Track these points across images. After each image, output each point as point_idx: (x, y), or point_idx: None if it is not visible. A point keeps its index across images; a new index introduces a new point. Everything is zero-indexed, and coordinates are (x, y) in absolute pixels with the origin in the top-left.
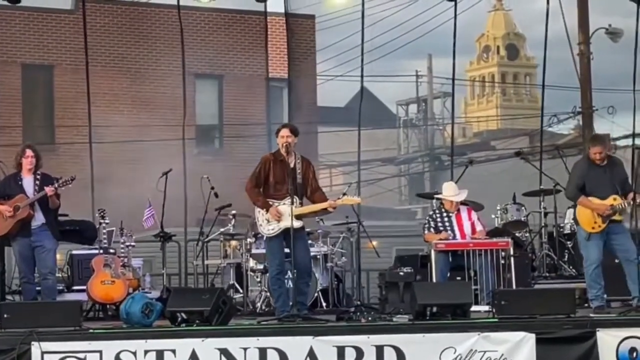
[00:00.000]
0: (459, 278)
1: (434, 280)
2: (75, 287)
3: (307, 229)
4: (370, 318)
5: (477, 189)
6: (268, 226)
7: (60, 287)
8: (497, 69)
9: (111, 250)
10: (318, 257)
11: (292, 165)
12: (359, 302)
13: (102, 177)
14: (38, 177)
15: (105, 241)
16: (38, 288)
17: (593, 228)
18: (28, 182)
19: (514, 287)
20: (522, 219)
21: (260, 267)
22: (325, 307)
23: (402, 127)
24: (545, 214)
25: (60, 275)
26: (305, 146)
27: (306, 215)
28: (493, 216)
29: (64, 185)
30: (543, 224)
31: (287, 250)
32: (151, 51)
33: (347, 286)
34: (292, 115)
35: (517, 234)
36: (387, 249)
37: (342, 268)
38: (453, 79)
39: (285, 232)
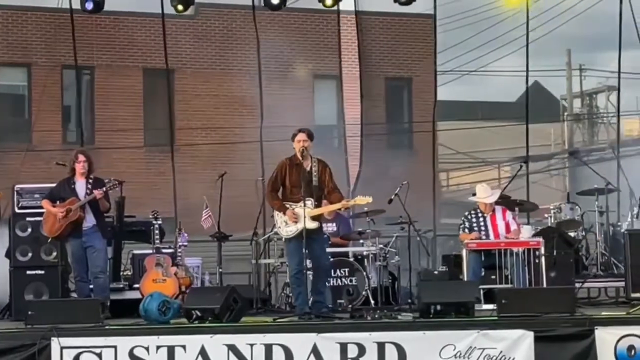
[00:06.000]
0: (493, 277)
1: (466, 278)
2: (135, 285)
3: (359, 229)
4: (376, 316)
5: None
6: (286, 228)
7: (122, 286)
8: None
9: (164, 250)
10: (370, 256)
11: (307, 168)
12: (410, 300)
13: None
14: (90, 180)
15: (158, 241)
16: (92, 286)
17: None
18: (80, 185)
19: (544, 285)
20: (576, 217)
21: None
22: (373, 305)
23: (566, 121)
24: (601, 213)
25: (123, 274)
26: (424, 141)
27: (322, 215)
28: (546, 215)
29: (111, 189)
30: (600, 223)
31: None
32: (270, 53)
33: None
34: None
35: (570, 233)
36: None
37: (397, 267)
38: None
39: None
